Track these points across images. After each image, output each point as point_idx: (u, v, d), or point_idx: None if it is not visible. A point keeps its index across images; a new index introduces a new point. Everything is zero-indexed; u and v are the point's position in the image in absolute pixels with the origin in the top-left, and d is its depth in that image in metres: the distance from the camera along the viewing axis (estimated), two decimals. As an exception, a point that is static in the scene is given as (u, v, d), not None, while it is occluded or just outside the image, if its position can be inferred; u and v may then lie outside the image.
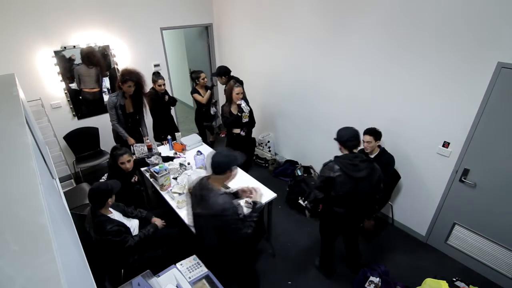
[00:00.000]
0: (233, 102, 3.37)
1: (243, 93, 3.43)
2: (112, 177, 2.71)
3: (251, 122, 3.53)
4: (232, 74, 4.02)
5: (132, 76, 3.20)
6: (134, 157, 3.36)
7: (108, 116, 3.42)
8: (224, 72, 3.86)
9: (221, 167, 1.81)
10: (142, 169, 3.18)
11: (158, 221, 2.60)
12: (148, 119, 3.87)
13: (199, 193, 1.88)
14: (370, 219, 2.93)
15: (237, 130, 3.52)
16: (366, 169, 2.14)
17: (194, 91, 4.11)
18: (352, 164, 2.13)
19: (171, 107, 4.04)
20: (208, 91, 4.14)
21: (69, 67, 3.80)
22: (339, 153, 2.25)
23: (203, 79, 4.00)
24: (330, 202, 2.29)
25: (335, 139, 2.27)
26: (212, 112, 4.29)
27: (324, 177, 2.19)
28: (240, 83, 3.61)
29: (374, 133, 2.70)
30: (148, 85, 3.60)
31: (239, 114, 3.36)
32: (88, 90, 4.06)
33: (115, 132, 3.55)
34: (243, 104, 3.31)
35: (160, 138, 3.81)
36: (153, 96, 3.68)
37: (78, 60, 3.84)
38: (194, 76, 4.03)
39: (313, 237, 3.22)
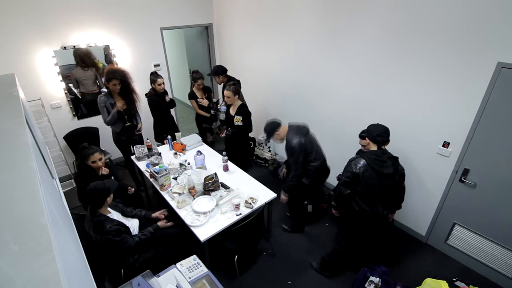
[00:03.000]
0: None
1: (240, 94, 3.42)
2: (82, 180, 2.63)
3: (245, 126, 3.43)
4: (231, 74, 4.02)
5: (116, 74, 3.20)
6: (134, 157, 3.37)
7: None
8: (221, 71, 3.85)
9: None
10: (142, 169, 3.18)
11: (160, 221, 2.58)
12: (149, 120, 3.88)
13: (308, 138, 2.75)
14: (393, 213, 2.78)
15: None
16: (392, 166, 2.18)
17: (191, 95, 4.05)
18: (380, 160, 2.15)
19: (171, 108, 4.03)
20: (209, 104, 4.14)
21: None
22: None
23: (199, 85, 4.00)
24: (355, 198, 2.27)
25: (362, 134, 2.28)
26: (212, 112, 4.29)
27: (351, 172, 2.18)
28: (237, 82, 3.61)
29: None
30: (137, 83, 3.58)
31: (218, 113, 3.42)
32: (88, 92, 4.06)
33: (114, 133, 3.55)
34: (221, 107, 3.41)
35: (161, 138, 3.82)
36: (153, 96, 3.68)
37: (71, 61, 3.82)
38: (195, 76, 4.00)
39: (313, 237, 3.22)
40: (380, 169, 2.14)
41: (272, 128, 2.76)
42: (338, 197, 2.38)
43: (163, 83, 3.65)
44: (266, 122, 2.82)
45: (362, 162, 2.16)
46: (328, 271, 2.74)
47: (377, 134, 2.18)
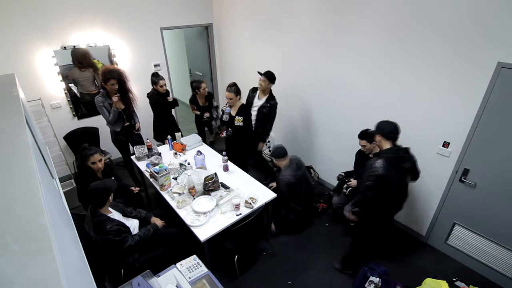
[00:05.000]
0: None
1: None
2: (82, 180, 2.65)
3: (246, 127, 3.43)
4: (231, 74, 4.03)
5: (114, 74, 3.20)
6: (134, 157, 3.37)
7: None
8: (274, 80, 3.56)
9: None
10: (142, 169, 3.18)
11: (157, 221, 2.60)
12: (148, 119, 3.88)
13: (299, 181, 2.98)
14: None
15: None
16: (408, 159, 2.23)
17: (192, 100, 4.18)
18: (398, 157, 2.18)
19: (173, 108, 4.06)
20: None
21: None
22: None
23: (204, 89, 4.03)
24: (379, 198, 2.29)
25: (371, 131, 2.30)
26: (214, 115, 4.33)
27: (376, 175, 2.18)
28: (273, 98, 3.61)
29: (367, 136, 2.71)
30: (137, 83, 3.58)
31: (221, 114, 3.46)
32: (87, 93, 4.06)
33: (113, 133, 3.55)
34: (226, 111, 3.45)
35: (161, 137, 3.82)
36: (155, 95, 3.70)
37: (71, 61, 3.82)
38: (195, 85, 4.03)
39: (313, 237, 3.22)
40: (401, 165, 2.19)
41: (281, 154, 3.00)
42: (364, 202, 2.34)
43: (165, 84, 3.67)
44: (280, 147, 3.07)
45: (383, 162, 2.17)
46: (350, 269, 2.75)
47: (390, 131, 2.20)
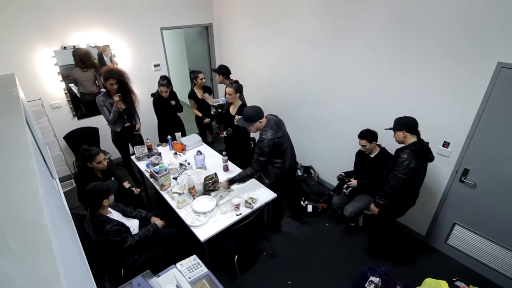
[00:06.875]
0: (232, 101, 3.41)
1: (239, 97, 3.44)
2: (82, 180, 2.66)
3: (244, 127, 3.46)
4: (232, 74, 4.02)
5: (113, 74, 3.19)
6: (134, 157, 3.38)
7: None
8: (223, 72, 3.80)
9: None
10: (142, 169, 3.18)
11: (157, 221, 2.60)
12: (150, 120, 3.87)
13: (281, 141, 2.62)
14: None
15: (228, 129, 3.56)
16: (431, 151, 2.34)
17: (191, 94, 4.09)
18: (426, 149, 2.30)
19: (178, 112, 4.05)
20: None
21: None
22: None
23: (201, 79, 3.99)
24: (406, 190, 2.38)
25: (396, 127, 2.36)
26: (212, 112, 4.30)
27: (411, 169, 2.25)
28: (238, 86, 3.64)
29: (367, 136, 2.72)
30: (137, 83, 3.60)
31: (219, 110, 3.48)
32: (88, 92, 4.06)
33: (114, 133, 3.55)
34: (218, 100, 3.46)
35: (163, 138, 3.83)
36: (156, 97, 3.71)
37: (71, 61, 3.81)
38: (193, 76, 4.02)
39: (313, 237, 3.22)
40: (429, 156, 2.31)
41: (257, 116, 2.57)
42: (394, 194, 2.39)
43: (166, 91, 3.65)
44: (252, 107, 2.62)
45: (415, 156, 2.24)
46: (392, 259, 2.86)
47: (415, 125, 2.30)
